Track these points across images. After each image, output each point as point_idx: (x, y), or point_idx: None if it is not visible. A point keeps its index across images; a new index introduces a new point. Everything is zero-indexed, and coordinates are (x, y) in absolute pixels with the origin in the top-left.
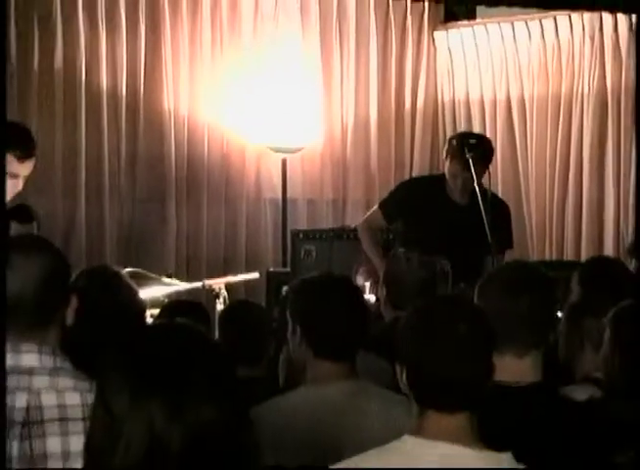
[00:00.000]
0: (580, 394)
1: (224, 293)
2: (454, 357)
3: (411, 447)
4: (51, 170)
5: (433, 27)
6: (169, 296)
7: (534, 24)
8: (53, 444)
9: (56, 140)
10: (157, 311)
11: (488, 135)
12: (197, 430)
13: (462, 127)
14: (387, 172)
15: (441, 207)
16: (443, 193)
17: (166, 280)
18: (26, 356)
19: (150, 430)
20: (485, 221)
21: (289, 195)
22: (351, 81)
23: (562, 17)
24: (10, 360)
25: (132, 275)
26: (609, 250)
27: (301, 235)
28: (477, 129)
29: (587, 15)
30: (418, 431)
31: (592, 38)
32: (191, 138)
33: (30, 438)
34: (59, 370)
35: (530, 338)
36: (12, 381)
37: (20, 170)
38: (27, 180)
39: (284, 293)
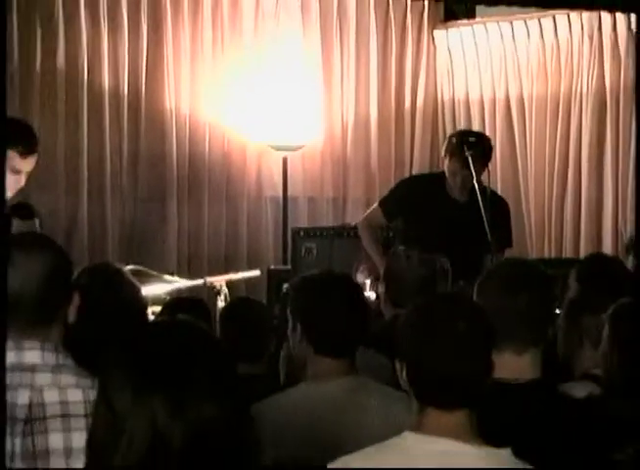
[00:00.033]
0: (579, 391)
1: (225, 290)
2: (453, 355)
3: (411, 444)
4: (53, 169)
5: (432, 26)
6: (171, 293)
7: (533, 24)
8: (55, 440)
9: (58, 139)
10: (158, 309)
11: (488, 134)
12: (198, 427)
13: (461, 126)
14: (387, 171)
15: (441, 204)
16: (443, 191)
17: (168, 278)
18: (29, 354)
19: (152, 427)
20: (485, 219)
21: (289, 193)
22: (352, 80)
23: (561, 16)
24: (13, 357)
25: (134, 273)
26: (607, 247)
27: (302, 233)
28: (476, 128)
29: (586, 14)
30: (418, 427)
31: (591, 37)
32: (192, 137)
33: (33, 434)
34: (61, 367)
35: (529, 335)
36: (14, 378)
37: (22, 166)
38: (30, 178)
39: (284, 290)
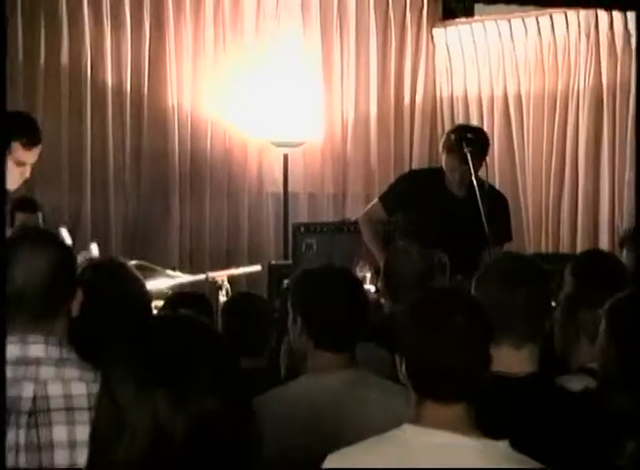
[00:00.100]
0: (576, 384)
1: (227, 285)
2: (452, 348)
3: (410, 436)
4: (57, 165)
5: (431, 25)
6: (173, 288)
7: (531, 22)
8: (59, 432)
9: (62, 136)
10: (161, 303)
11: (486, 130)
12: (200, 420)
13: (460, 122)
14: (386, 167)
15: (440, 199)
16: (442, 185)
17: (170, 272)
18: (33, 347)
19: (154, 420)
20: (482, 213)
21: (290, 189)
22: (351, 78)
23: (558, 14)
24: (17, 351)
25: (137, 268)
26: (604, 243)
27: (303, 228)
28: (474, 124)
29: (583, 12)
30: (416, 420)
31: (588, 35)
32: (194, 133)
33: (37, 426)
34: (65, 361)
35: (527, 329)
36: (19, 371)
37: (26, 158)
38: (34, 174)
39: (285, 285)
